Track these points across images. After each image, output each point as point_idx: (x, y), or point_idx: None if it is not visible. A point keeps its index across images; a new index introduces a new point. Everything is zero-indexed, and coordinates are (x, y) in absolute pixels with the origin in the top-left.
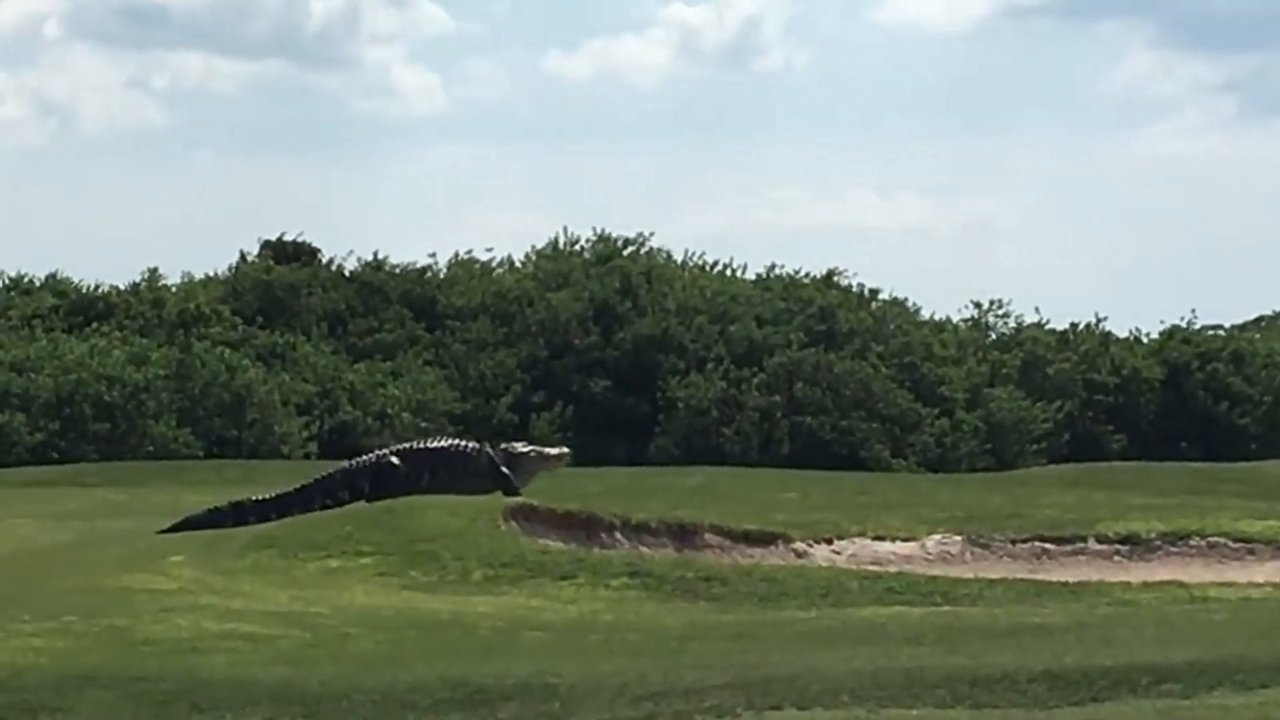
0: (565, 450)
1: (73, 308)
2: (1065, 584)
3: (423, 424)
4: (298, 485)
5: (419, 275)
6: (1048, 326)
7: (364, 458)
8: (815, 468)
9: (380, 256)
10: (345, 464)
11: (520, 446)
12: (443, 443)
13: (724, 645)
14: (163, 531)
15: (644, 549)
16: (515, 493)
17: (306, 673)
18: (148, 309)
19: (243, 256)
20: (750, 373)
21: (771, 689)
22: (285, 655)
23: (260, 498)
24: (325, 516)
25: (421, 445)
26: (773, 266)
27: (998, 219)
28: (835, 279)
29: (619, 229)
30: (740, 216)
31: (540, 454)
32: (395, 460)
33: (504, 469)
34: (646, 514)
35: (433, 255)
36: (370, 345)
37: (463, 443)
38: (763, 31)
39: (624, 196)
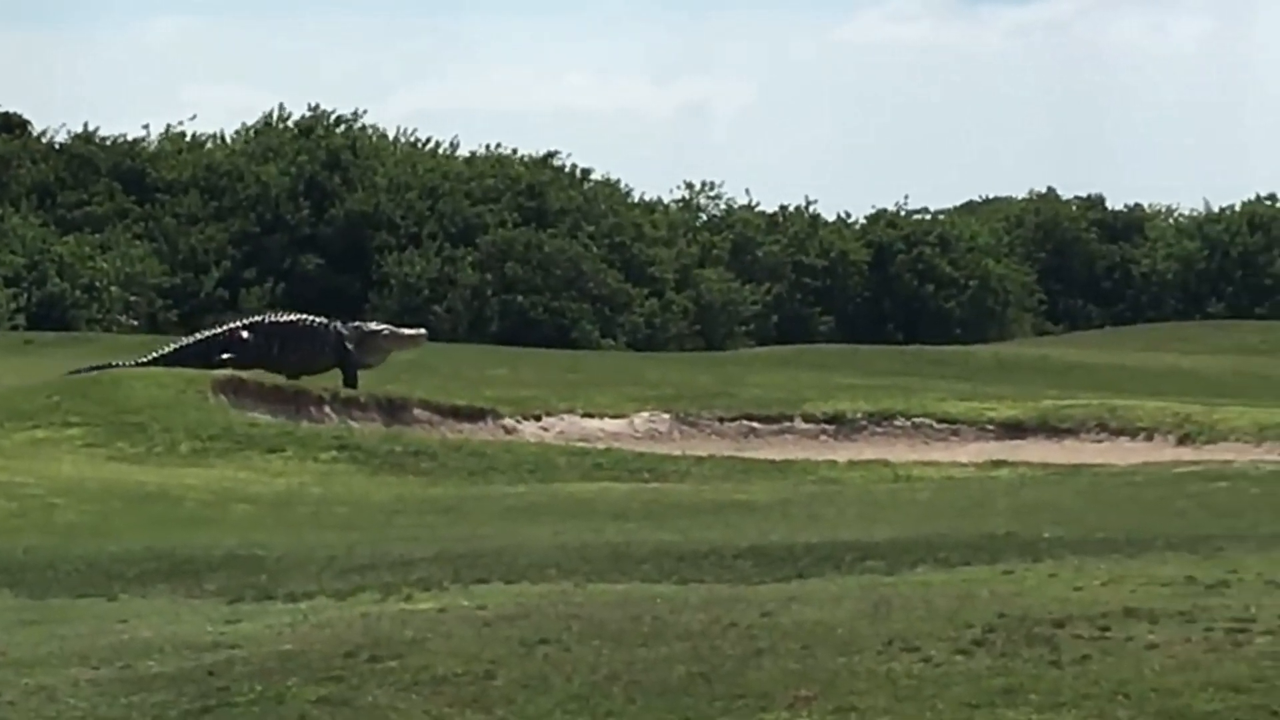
0: (422, 331)
1: None
2: (772, 462)
3: (132, 297)
4: (150, 355)
5: (129, 148)
6: (758, 209)
7: (216, 329)
8: (526, 346)
9: (91, 129)
10: (196, 334)
11: (373, 325)
12: (291, 317)
13: (432, 519)
14: None
15: (353, 423)
16: (355, 375)
17: (11, 542)
18: None
19: None
20: (463, 251)
21: (479, 563)
22: None
23: (113, 364)
24: (32, 387)
25: (271, 319)
26: (487, 146)
27: (712, 102)
28: (550, 160)
29: (336, 105)
30: (457, 95)
31: (394, 333)
32: (245, 332)
33: (350, 347)
34: (355, 388)
35: (145, 128)
36: (79, 218)
37: (311, 318)
38: None
39: (342, 72)
